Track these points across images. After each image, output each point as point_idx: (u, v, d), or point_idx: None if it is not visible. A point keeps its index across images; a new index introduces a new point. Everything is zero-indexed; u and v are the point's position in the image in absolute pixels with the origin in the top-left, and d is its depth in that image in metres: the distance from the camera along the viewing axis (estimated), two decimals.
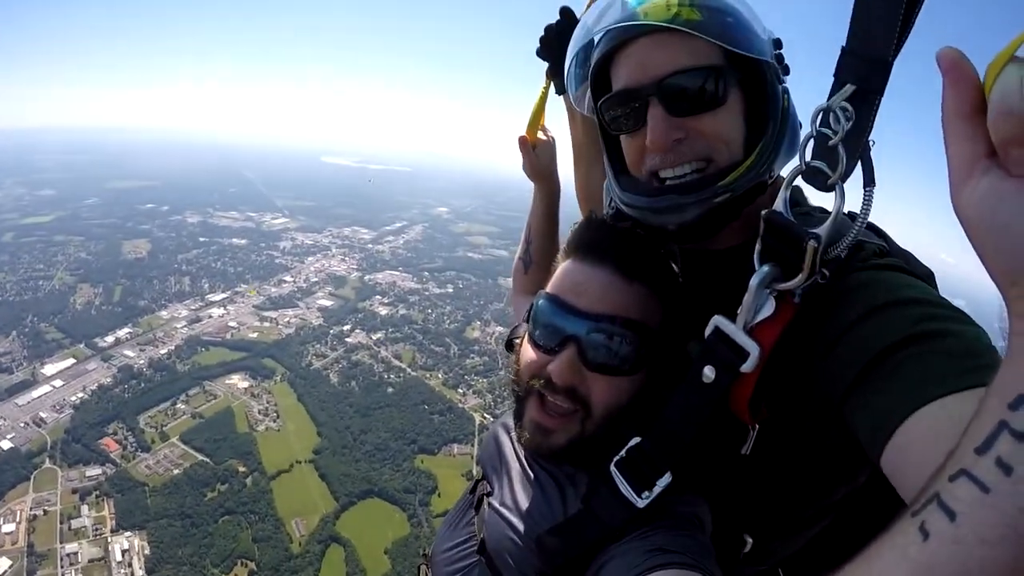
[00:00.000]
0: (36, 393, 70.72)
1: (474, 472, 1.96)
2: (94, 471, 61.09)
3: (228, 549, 54.83)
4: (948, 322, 1.16)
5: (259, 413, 73.50)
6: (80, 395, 71.17)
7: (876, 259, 1.37)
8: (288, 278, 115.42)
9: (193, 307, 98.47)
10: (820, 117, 1.20)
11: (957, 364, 1.06)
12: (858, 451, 1.19)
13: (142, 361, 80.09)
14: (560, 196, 2.56)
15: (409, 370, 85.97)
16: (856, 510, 1.74)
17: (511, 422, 1.87)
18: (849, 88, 1.14)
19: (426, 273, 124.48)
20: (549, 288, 1.67)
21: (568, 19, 2.10)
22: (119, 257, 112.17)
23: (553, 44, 2.19)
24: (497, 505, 1.71)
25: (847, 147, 1.16)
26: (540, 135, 2.43)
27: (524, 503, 1.65)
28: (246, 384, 79.55)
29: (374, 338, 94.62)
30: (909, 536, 0.59)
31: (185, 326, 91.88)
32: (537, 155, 2.41)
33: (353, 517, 60.55)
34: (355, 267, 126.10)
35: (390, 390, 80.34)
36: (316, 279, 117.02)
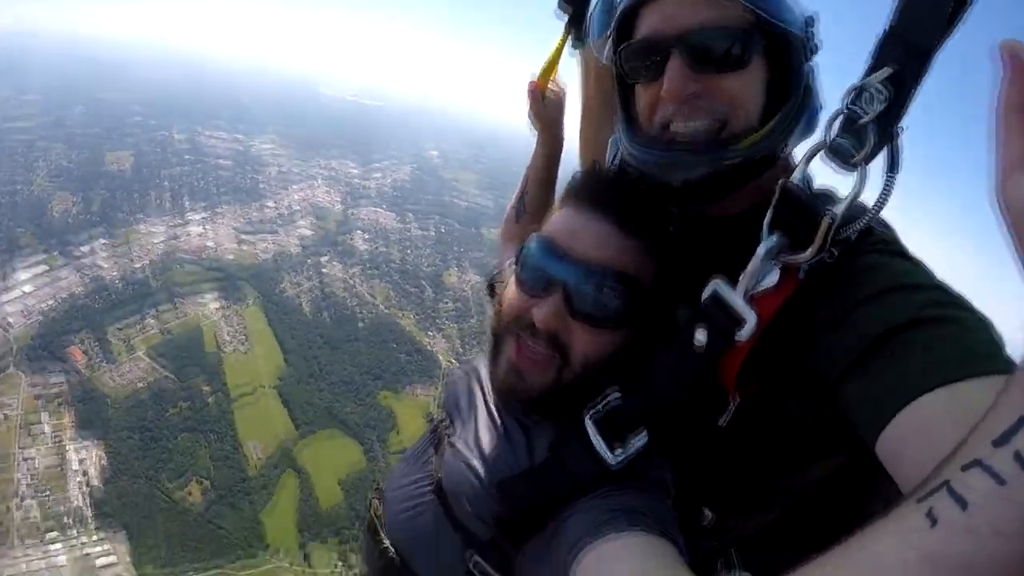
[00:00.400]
0: (5, 297, 69.84)
1: (434, 413, 2.02)
2: (58, 379, 61.09)
3: (185, 466, 55.68)
4: (954, 309, 1.13)
5: (228, 335, 73.52)
6: (50, 302, 70.49)
7: (884, 245, 1.33)
8: (271, 204, 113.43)
9: (172, 224, 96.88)
10: (853, 95, 1.16)
11: (962, 352, 1.04)
12: (841, 434, 1.18)
13: (115, 273, 79.17)
14: (562, 151, 2.52)
15: (382, 307, 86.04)
16: (818, 501, 1.72)
17: (480, 367, 1.92)
18: (887, 70, 1.11)
19: (410, 214, 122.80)
20: (543, 230, 1.66)
21: None
22: (101, 168, 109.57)
23: None
24: (459, 446, 1.72)
25: (877, 128, 1.13)
26: (551, 86, 2.39)
27: (488, 448, 1.65)
28: (218, 305, 79.28)
29: (351, 272, 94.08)
30: (913, 521, 0.58)
31: (162, 242, 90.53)
32: (545, 105, 2.38)
33: (311, 446, 61.39)
34: (339, 200, 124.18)
35: (361, 325, 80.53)
36: (299, 208, 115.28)
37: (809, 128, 1.49)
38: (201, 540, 50.22)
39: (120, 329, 70.23)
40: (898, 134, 1.15)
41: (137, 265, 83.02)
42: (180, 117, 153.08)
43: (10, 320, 66.39)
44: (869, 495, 1.53)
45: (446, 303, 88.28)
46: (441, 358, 75.02)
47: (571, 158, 2.53)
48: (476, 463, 1.59)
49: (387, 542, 1.80)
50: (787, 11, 1.39)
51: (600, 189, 1.61)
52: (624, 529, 1.18)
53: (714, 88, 1.44)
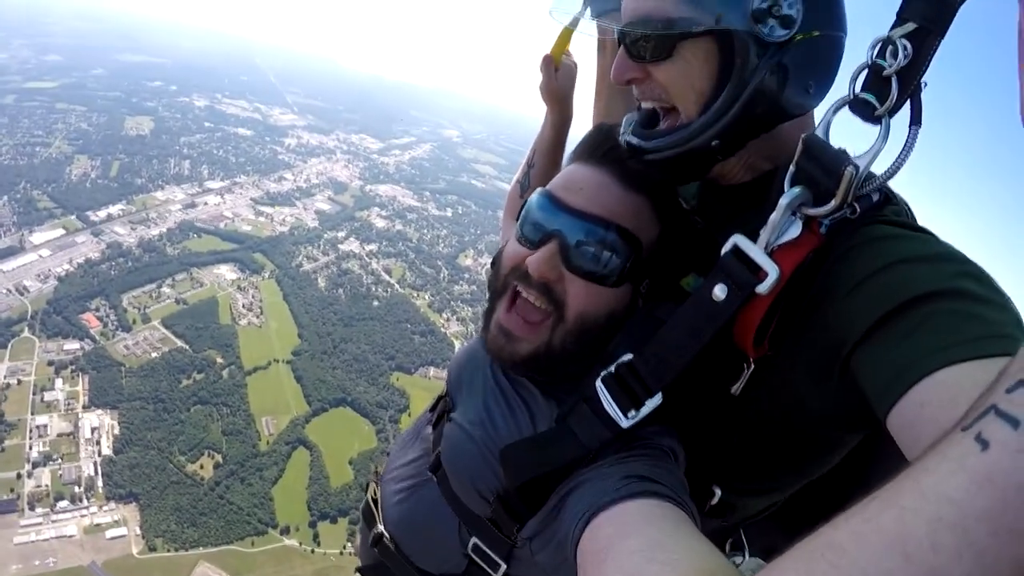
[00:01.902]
0: (22, 260, 70.54)
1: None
2: (72, 345, 61.64)
3: (197, 439, 55.83)
4: (978, 283, 1.12)
5: (243, 307, 74.11)
6: (66, 267, 71.10)
7: (902, 216, 1.34)
8: (289, 176, 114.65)
9: (190, 192, 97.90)
10: (879, 48, 1.17)
11: (987, 328, 1.03)
12: (857, 407, 1.16)
13: (132, 240, 79.87)
14: (570, 127, 2.42)
15: (397, 286, 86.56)
16: (831, 482, 1.66)
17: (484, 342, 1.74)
18: (912, 25, 1.13)
19: (427, 193, 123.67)
20: (546, 186, 1.61)
21: None
22: (120, 132, 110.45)
23: None
24: (459, 419, 1.61)
25: (901, 80, 1.15)
26: (564, 59, 2.32)
27: (490, 418, 1.55)
28: (234, 276, 79.99)
29: (367, 249, 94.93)
30: (964, 447, 0.55)
31: (180, 210, 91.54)
32: (558, 77, 2.30)
33: (323, 423, 61.54)
34: (357, 175, 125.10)
35: (375, 303, 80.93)
36: (317, 181, 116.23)
37: (773, 117, 1.44)
38: (211, 515, 50.29)
39: (136, 297, 70.88)
40: (921, 88, 1.17)
41: (154, 233, 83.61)
42: (200, 84, 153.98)
43: (26, 283, 66.92)
44: (885, 478, 1.45)
45: (461, 285, 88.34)
46: (455, 340, 74.72)
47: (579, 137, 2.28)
48: (477, 433, 1.53)
49: (382, 527, 1.76)
50: (722, 3, 1.37)
51: (602, 143, 1.60)
52: (635, 495, 1.14)
53: (650, 75, 1.47)
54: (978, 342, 0.99)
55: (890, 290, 1.13)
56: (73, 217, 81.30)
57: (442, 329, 78.45)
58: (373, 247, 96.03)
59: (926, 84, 1.17)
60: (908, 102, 1.18)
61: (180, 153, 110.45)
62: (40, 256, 72.02)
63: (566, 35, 2.26)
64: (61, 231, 77.61)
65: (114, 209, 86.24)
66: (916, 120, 1.18)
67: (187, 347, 65.41)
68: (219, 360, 64.84)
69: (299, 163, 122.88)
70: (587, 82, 2.47)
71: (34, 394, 56.10)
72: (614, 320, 1.49)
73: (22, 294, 65.47)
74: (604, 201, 1.47)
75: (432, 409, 1.82)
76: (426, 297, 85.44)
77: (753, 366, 1.40)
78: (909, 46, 1.13)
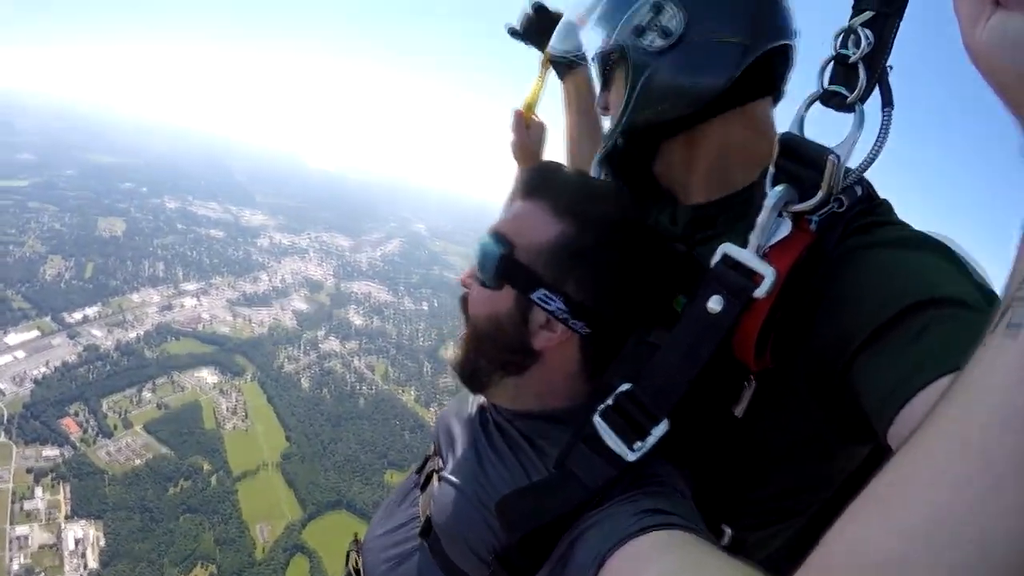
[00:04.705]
0: None
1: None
2: (51, 452, 59.22)
3: (189, 549, 53.46)
4: (977, 288, 1.10)
5: (227, 411, 72.36)
6: (43, 370, 68.92)
7: (890, 218, 1.32)
8: (264, 276, 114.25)
9: (166, 294, 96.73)
10: (841, 39, 1.21)
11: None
12: (858, 424, 1.13)
13: (109, 343, 78.02)
14: None
15: (381, 383, 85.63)
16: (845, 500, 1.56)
17: (470, 398, 1.74)
18: (869, 13, 1.17)
19: (402, 288, 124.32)
20: None
21: (544, 15, 2.34)
22: (94, 233, 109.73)
23: (535, 30, 2.36)
24: (449, 476, 1.53)
25: (867, 65, 1.17)
26: (533, 118, 2.41)
27: (483, 471, 1.48)
28: (215, 379, 78.37)
29: (347, 347, 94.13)
30: (996, 343, 0.55)
31: (156, 312, 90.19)
32: (529, 134, 2.40)
33: (320, 527, 59.45)
34: (331, 273, 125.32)
35: (362, 401, 79.77)
36: (292, 281, 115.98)
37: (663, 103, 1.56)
38: None
39: (116, 402, 68.66)
40: (887, 72, 1.19)
41: (132, 335, 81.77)
42: (171, 185, 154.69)
43: (1, 386, 64.41)
44: None
45: (446, 378, 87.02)
46: None
47: None
48: (469, 488, 1.46)
49: None
50: (614, 29, 1.59)
51: (528, 176, 1.63)
52: (649, 528, 1.07)
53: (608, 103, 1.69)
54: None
55: (887, 299, 1.11)
56: (48, 318, 79.29)
57: (432, 424, 76.66)
58: (353, 345, 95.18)
59: (891, 67, 1.19)
60: (878, 87, 1.19)
61: (154, 255, 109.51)
62: (15, 358, 69.76)
63: (535, 92, 2.39)
64: (36, 332, 75.57)
65: (90, 311, 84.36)
66: (888, 102, 1.19)
67: (172, 453, 63.00)
68: (206, 466, 62.61)
69: (273, 263, 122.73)
70: (555, 141, 2.55)
71: (13, 503, 53.16)
72: (499, 326, 1.47)
73: None
74: (506, 214, 1.54)
75: (419, 471, 1.73)
76: (412, 392, 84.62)
77: (755, 383, 1.35)
78: (870, 33, 1.16)
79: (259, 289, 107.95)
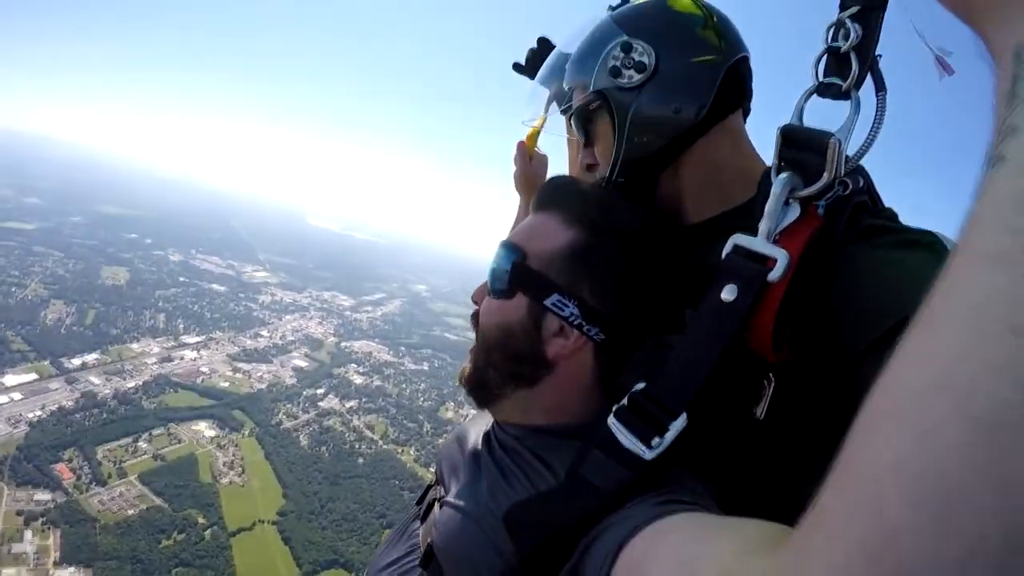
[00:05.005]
0: None
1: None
2: (43, 496, 57.62)
3: None
4: None
5: (224, 465, 70.62)
6: (38, 413, 67.95)
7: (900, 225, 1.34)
8: (264, 333, 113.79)
9: (166, 345, 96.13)
10: (832, 32, 1.23)
11: None
12: None
13: (107, 391, 77.11)
14: None
15: (381, 443, 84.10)
16: None
17: (471, 424, 1.76)
18: (855, 8, 1.19)
19: (402, 348, 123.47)
20: None
21: (545, 47, 2.40)
22: (96, 280, 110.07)
23: (539, 64, 2.35)
24: (451, 500, 1.49)
25: (858, 54, 1.19)
26: (537, 149, 2.46)
27: (488, 490, 1.43)
28: (213, 433, 76.94)
29: (347, 406, 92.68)
30: (999, 168, 0.51)
31: (156, 363, 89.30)
32: (532, 165, 2.45)
33: None
34: (332, 332, 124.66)
35: (360, 460, 78.28)
36: (292, 338, 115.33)
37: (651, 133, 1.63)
38: None
39: (111, 450, 67.11)
40: (877, 60, 1.22)
41: (130, 385, 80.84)
42: (175, 238, 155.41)
43: None
44: None
45: (445, 438, 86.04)
46: None
47: None
48: (472, 508, 1.41)
49: None
50: (590, 76, 1.66)
51: (543, 190, 1.69)
52: (667, 513, 1.03)
53: (596, 159, 1.75)
54: None
55: (901, 294, 1.12)
56: (47, 362, 78.60)
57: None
58: (353, 403, 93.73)
59: (881, 56, 1.22)
60: (870, 75, 1.22)
61: (156, 306, 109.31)
62: (11, 399, 68.98)
63: (539, 125, 2.36)
64: (34, 375, 74.89)
65: (89, 358, 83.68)
66: (881, 87, 1.21)
67: (166, 506, 61.12)
68: (201, 520, 60.56)
69: (274, 320, 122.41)
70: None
71: (1, 545, 51.62)
72: (511, 335, 1.47)
73: None
74: (518, 226, 1.58)
75: (419, 502, 1.70)
76: (411, 452, 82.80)
77: (774, 381, 1.34)
78: (858, 26, 1.19)
79: (259, 345, 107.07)
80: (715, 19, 1.60)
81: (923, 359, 0.49)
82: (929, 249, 1.21)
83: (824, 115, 1.24)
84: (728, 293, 1.17)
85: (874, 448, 0.48)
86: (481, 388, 1.54)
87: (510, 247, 1.48)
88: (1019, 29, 0.56)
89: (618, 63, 1.59)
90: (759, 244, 1.19)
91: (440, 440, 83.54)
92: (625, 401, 1.24)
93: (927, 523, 0.42)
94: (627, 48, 1.59)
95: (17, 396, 69.90)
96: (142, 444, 70.19)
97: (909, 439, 0.45)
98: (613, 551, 1.02)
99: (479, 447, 1.58)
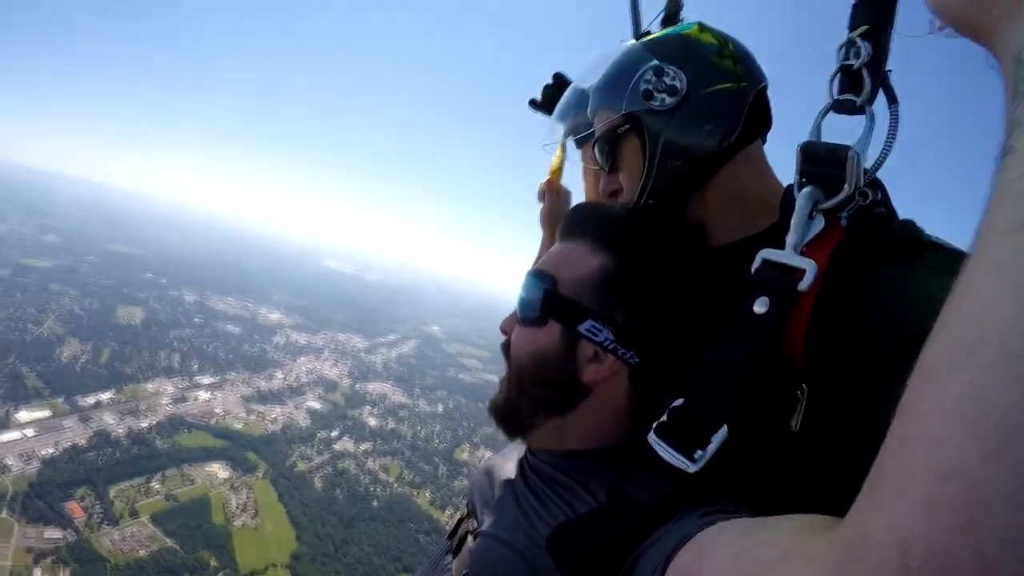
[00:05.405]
0: (5, 437, 67.00)
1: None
2: (54, 534, 56.55)
3: None
4: None
5: (237, 507, 69.27)
6: (51, 450, 67.09)
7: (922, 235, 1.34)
8: (279, 374, 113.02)
9: (180, 385, 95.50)
10: (844, 51, 1.29)
11: None
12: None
13: (121, 430, 76.29)
14: None
15: (396, 485, 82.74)
16: None
17: (500, 455, 1.78)
18: (864, 27, 1.25)
19: (417, 389, 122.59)
20: None
21: (561, 82, 2.44)
22: (112, 319, 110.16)
23: (555, 100, 2.34)
24: (486, 529, 1.45)
25: (870, 70, 1.25)
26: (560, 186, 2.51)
27: (526, 518, 1.40)
28: (226, 474, 75.75)
29: (362, 448, 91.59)
30: (1010, 158, 0.57)
31: (170, 403, 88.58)
32: (558, 202, 2.48)
33: None
34: (346, 374, 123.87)
35: (375, 503, 76.88)
36: (307, 380, 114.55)
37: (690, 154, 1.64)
38: None
39: (123, 490, 65.98)
40: (888, 75, 1.28)
41: (143, 424, 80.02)
42: (190, 279, 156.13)
43: (8, 462, 62.55)
44: None
45: (461, 480, 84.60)
46: None
47: None
48: (509, 536, 1.38)
49: None
50: (622, 100, 1.67)
51: (568, 217, 1.71)
52: (717, 521, 1.03)
53: (621, 185, 1.76)
54: None
55: (920, 308, 1.13)
56: (61, 400, 77.99)
57: (447, 526, 73.26)
58: (368, 446, 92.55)
59: (891, 71, 1.27)
60: (882, 90, 1.28)
61: (170, 346, 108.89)
62: (24, 435, 68.18)
63: (561, 160, 2.39)
64: (48, 412, 74.20)
65: (103, 396, 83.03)
66: (893, 100, 1.27)
67: (178, 547, 59.79)
68: (213, 563, 59.23)
69: (288, 361, 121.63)
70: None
71: None
72: (544, 363, 1.47)
73: (3, 472, 61.09)
74: (546, 255, 1.59)
75: (451, 536, 1.65)
76: (427, 495, 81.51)
77: (807, 391, 1.36)
78: (868, 44, 1.25)
79: (273, 386, 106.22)
80: (736, 50, 1.63)
81: (964, 317, 0.53)
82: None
83: (831, 133, 1.31)
84: (760, 306, 1.20)
85: (930, 399, 0.51)
86: (513, 418, 1.54)
87: (540, 275, 1.49)
88: (1016, 38, 0.63)
89: (651, 86, 1.60)
90: (787, 256, 1.23)
91: (456, 483, 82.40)
92: (665, 417, 1.24)
93: (988, 456, 0.44)
94: (659, 72, 1.61)
95: (31, 432, 69.16)
96: (155, 484, 69.06)
97: (964, 385, 0.48)
98: (662, 562, 1.01)
99: (512, 475, 1.57)
